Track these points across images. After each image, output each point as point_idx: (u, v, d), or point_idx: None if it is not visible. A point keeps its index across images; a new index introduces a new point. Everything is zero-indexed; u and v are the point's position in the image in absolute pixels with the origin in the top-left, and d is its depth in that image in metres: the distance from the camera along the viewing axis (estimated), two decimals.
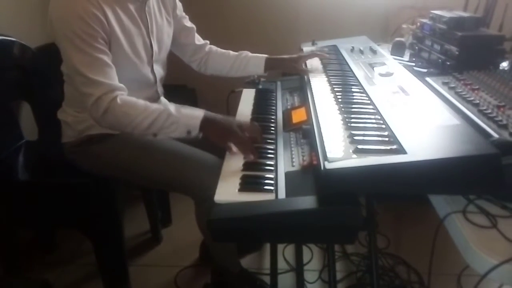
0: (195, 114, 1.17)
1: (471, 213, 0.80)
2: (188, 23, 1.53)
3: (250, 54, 1.56)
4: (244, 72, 1.57)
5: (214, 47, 1.59)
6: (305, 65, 1.54)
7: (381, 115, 1.01)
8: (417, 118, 0.98)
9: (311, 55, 1.57)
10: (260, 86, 1.63)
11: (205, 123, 1.16)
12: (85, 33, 1.12)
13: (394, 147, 0.85)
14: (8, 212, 1.39)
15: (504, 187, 0.78)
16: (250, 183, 0.98)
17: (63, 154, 1.38)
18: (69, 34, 1.12)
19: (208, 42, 1.59)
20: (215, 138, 1.15)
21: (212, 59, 1.57)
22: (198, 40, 1.56)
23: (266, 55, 1.55)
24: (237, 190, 0.95)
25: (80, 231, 1.46)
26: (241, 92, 1.61)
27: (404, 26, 1.99)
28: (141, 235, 1.93)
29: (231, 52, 1.58)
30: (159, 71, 1.41)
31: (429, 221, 0.95)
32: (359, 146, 0.86)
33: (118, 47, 1.22)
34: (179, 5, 1.49)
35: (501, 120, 0.97)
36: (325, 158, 0.83)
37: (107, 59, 1.17)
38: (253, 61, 1.54)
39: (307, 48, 1.73)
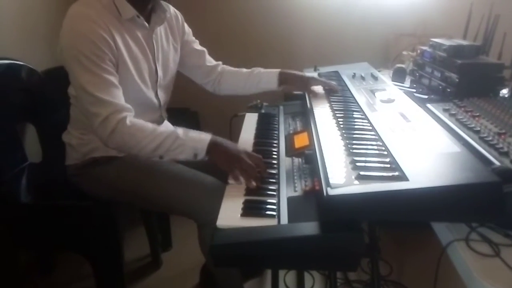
0: (202, 138, 1.18)
1: (474, 241, 0.80)
2: (198, 47, 1.55)
3: (262, 70, 1.56)
4: (258, 88, 1.56)
5: (226, 67, 1.60)
6: None
7: (382, 142, 1.02)
8: (418, 144, 0.99)
9: (324, 82, 1.55)
10: (263, 111, 1.65)
11: (212, 146, 1.17)
12: (93, 54, 1.15)
13: (396, 173, 0.85)
14: (10, 234, 1.39)
15: (506, 215, 0.78)
16: (252, 208, 0.98)
17: (67, 176, 1.39)
18: (78, 55, 1.15)
19: (220, 63, 1.60)
20: (221, 163, 1.15)
21: (225, 78, 1.58)
22: (210, 62, 1.58)
23: (279, 70, 1.55)
24: (239, 215, 0.95)
25: (80, 254, 1.46)
26: (243, 116, 1.62)
27: (404, 53, 2.03)
28: (141, 259, 1.92)
29: (244, 70, 1.59)
30: (163, 96, 1.44)
31: (432, 248, 0.95)
32: (362, 173, 0.86)
33: (125, 70, 1.25)
34: (188, 30, 1.52)
35: (502, 148, 0.97)
36: (328, 184, 0.84)
37: (114, 80, 1.19)
38: (266, 77, 1.54)
39: (310, 74, 1.75)
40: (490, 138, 1.03)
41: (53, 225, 1.37)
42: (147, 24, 1.31)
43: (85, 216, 1.36)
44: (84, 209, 1.35)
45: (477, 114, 1.20)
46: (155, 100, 1.40)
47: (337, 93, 1.48)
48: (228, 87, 1.59)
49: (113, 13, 1.23)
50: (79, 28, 1.17)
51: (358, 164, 0.91)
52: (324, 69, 1.83)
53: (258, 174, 1.10)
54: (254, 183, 1.08)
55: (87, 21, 1.17)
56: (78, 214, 1.36)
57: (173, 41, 1.45)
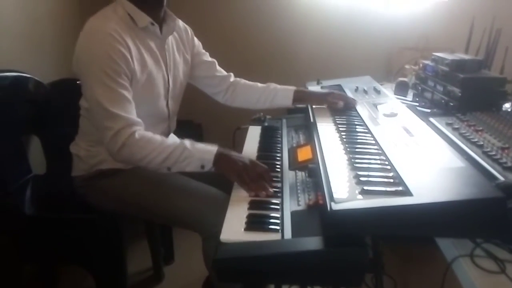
0: (209, 149, 1.19)
1: (479, 257, 0.79)
2: (208, 58, 1.58)
3: (278, 86, 1.58)
4: (272, 104, 1.58)
5: (241, 80, 1.62)
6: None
7: (386, 156, 1.02)
8: (422, 159, 0.99)
9: (341, 96, 1.53)
10: (266, 124, 1.65)
11: (219, 157, 1.18)
12: (110, 69, 1.17)
13: (400, 188, 0.85)
14: (14, 246, 1.39)
15: (511, 231, 0.78)
16: (256, 222, 0.98)
17: (72, 188, 1.39)
18: (95, 69, 1.17)
19: (231, 74, 1.62)
20: (228, 173, 1.16)
21: (240, 91, 1.60)
22: (220, 72, 1.60)
23: (294, 87, 1.57)
24: (243, 229, 0.95)
25: (82, 267, 1.45)
26: (247, 129, 1.63)
27: (406, 66, 2.04)
28: (143, 272, 1.91)
29: (259, 84, 1.60)
30: (173, 106, 1.46)
31: (437, 263, 0.94)
32: (365, 187, 0.87)
33: (138, 81, 1.27)
34: (198, 43, 1.56)
35: (505, 162, 0.97)
36: (332, 198, 0.84)
37: (128, 94, 1.21)
38: (281, 93, 1.56)
39: (313, 87, 1.76)
40: (493, 153, 1.03)
41: (57, 237, 1.37)
42: (160, 33, 1.34)
43: (90, 228, 1.37)
44: (89, 221, 1.35)
45: (480, 128, 1.20)
46: (165, 110, 1.43)
47: (355, 107, 1.47)
48: (241, 99, 1.61)
49: (128, 24, 1.26)
50: (97, 43, 1.19)
51: (361, 178, 0.91)
52: (326, 83, 1.84)
53: (265, 184, 1.11)
54: (264, 192, 1.08)
55: (105, 35, 1.19)
56: (82, 226, 1.37)
57: (184, 52, 1.48)
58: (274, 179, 1.18)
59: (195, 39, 1.55)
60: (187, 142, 1.20)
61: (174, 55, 1.42)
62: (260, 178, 1.13)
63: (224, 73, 1.61)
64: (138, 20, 1.27)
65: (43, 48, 1.91)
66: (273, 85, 1.58)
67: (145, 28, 1.29)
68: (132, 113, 1.21)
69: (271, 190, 1.10)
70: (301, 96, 1.56)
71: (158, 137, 1.21)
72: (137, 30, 1.28)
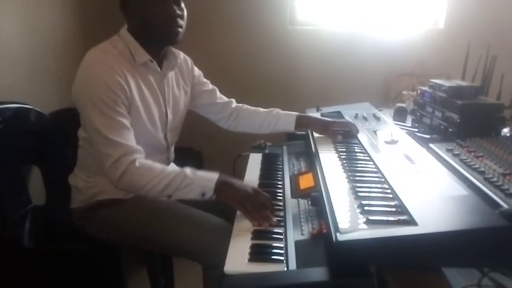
0: (210, 176, 1.19)
1: (486, 287, 0.79)
2: (208, 87, 1.59)
3: (281, 111, 1.60)
4: (275, 129, 1.59)
5: (244, 105, 1.64)
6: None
7: (389, 184, 1.02)
8: (424, 187, 0.99)
9: (344, 124, 1.53)
10: (267, 151, 1.66)
11: (220, 185, 1.17)
12: (108, 98, 1.19)
13: (405, 217, 0.85)
14: (12, 279, 1.37)
15: None
16: (260, 252, 0.97)
17: (71, 219, 1.38)
18: (93, 98, 1.19)
19: (233, 100, 1.64)
20: (230, 201, 1.16)
21: (243, 116, 1.62)
22: (221, 99, 1.61)
23: (297, 113, 1.59)
24: (247, 260, 0.94)
25: None
26: (247, 156, 1.63)
27: (404, 92, 2.07)
28: None
29: (261, 109, 1.62)
30: (171, 137, 1.46)
31: None
32: (370, 217, 0.86)
33: (136, 113, 1.28)
34: (198, 73, 1.57)
35: (508, 189, 0.97)
36: (337, 229, 0.83)
37: (126, 122, 1.22)
38: (284, 118, 1.58)
39: (312, 114, 1.78)
40: (495, 179, 1.03)
41: (56, 269, 1.35)
42: (159, 69, 1.35)
43: (89, 260, 1.35)
44: (88, 253, 1.33)
45: (481, 154, 1.20)
46: (163, 142, 1.43)
47: (357, 134, 1.47)
48: (244, 124, 1.63)
49: (127, 59, 1.28)
50: (95, 73, 1.21)
51: (366, 208, 0.91)
52: (326, 109, 1.86)
53: (268, 213, 1.10)
54: (266, 223, 1.07)
55: (103, 66, 1.21)
56: (82, 258, 1.35)
57: (183, 85, 1.49)
58: (277, 207, 1.17)
59: (195, 69, 1.56)
60: (188, 170, 1.20)
61: (173, 89, 1.43)
62: (262, 207, 1.13)
63: (226, 99, 1.63)
64: (137, 56, 1.29)
65: (46, 78, 1.93)
66: (276, 110, 1.60)
67: (144, 63, 1.31)
68: (131, 141, 1.22)
69: (274, 219, 1.10)
70: (304, 122, 1.58)
71: (158, 165, 1.21)
72: (136, 64, 1.29)
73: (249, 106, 1.64)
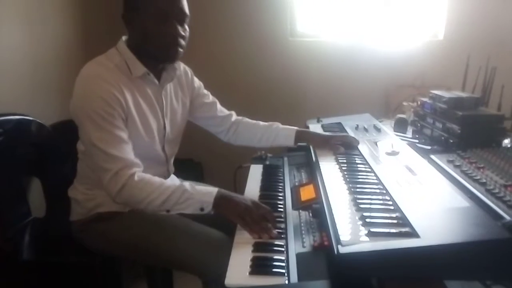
0: (209, 191, 1.19)
1: None
2: (209, 99, 1.57)
3: (280, 125, 1.59)
4: (274, 142, 1.58)
5: (244, 118, 1.63)
6: None
7: (390, 196, 1.02)
8: (426, 199, 0.98)
9: (344, 137, 1.53)
10: (267, 162, 1.66)
11: (219, 200, 1.17)
12: (105, 112, 1.18)
13: (407, 229, 0.85)
14: None
15: None
16: (261, 265, 0.96)
17: (71, 232, 1.37)
18: (90, 113, 1.18)
19: (233, 113, 1.63)
20: (230, 215, 1.15)
21: (242, 129, 1.60)
22: (221, 111, 1.60)
23: (296, 128, 1.58)
24: (248, 273, 0.94)
25: None
26: (248, 167, 1.63)
27: (405, 103, 2.07)
28: None
29: (261, 123, 1.61)
30: (170, 150, 1.45)
31: None
32: (372, 229, 0.86)
33: (133, 126, 1.28)
34: (198, 84, 1.55)
35: (510, 200, 0.96)
36: (338, 241, 0.83)
37: (124, 135, 1.22)
38: (283, 133, 1.57)
39: (313, 125, 1.78)
40: (497, 191, 1.02)
41: (55, 282, 1.34)
42: (157, 82, 1.35)
43: (89, 273, 1.34)
44: (88, 266, 1.32)
45: (482, 165, 1.20)
46: (162, 154, 1.42)
47: (357, 146, 1.47)
48: (244, 138, 1.61)
49: (124, 72, 1.27)
50: (92, 87, 1.21)
51: (367, 220, 0.91)
52: (327, 121, 1.86)
53: (269, 225, 1.10)
54: (267, 235, 1.07)
55: (99, 80, 1.21)
56: (81, 271, 1.34)
57: (182, 96, 1.48)
58: (278, 219, 1.17)
59: (196, 80, 1.55)
60: (187, 184, 1.20)
61: (172, 100, 1.43)
62: (263, 219, 1.12)
63: (226, 112, 1.62)
64: (134, 70, 1.28)
65: (48, 90, 1.93)
66: (275, 124, 1.59)
67: (142, 76, 1.30)
68: (129, 154, 1.21)
69: (275, 231, 1.09)
70: (304, 137, 1.57)
71: (157, 179, 1.21)
72: (133, 77, 1.28)
73: (249, 120, 1.63)
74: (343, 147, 1.46)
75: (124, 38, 1.33)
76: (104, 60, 1.28)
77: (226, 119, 1.60)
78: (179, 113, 1.46)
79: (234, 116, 1.63)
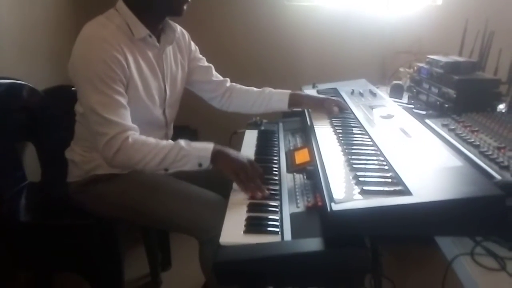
0: (206, 146, 1.19)
1: (479, 255, 0.80)
2: (204, 63, 1.57)
3: (273, 90, 1.58)
4: (267, 108, 1.58)
5: (237, 85, 1.62)
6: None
7: (384, 157, 1.02)
8: (420, 159, 0.99)
9: (337, 101, 1.52)
10: (262, 127, 1.65)
11: (216, 154, 1.18)
12: (106, 76, 1.17)
13: (399, 188, 0.86)
14: (8, 254, 1.37)
15: (510, 228, 0.78)
16: (255, 224, 0.97)
17: (67, 195, 1.38)
18: (90, 75, 1.16)
19: (228, 79, 1.62)
20: (226, 170, 1.16)
21: (235, 95, 1.60)
22: (216, 77, 1.59)
23: (289, 91, 1.56)
24: (242, 232, 0.95)
25: (79, 274, 1.43)
26: (243, 133, 1.63)
27: (401, 69, 2.05)
28: (140, 278, 1.89)
29: (254, 89, 1.60)
30: (170, 113, 1.45)
31: (436, 263, 0.95)
32: (365, 187, 0.87)
33: (134, 90, 1.26)
34: (195, 48, 1.54)
35: (502, 162, 0.98)
36: (332, 199, 0.84)
37: (123, 100, 1.21)
38: (276, 97, 1.56)
39: (308, 91, 1.77)
40: (490, 153, 1.03)
41: (53, 244, 1.36)
42: (158, 44, 1.33)
43: (86, 235, 1.35)
44: (85, 227, 1.33)
45: (476, 129, 1.21)
46: (162, 118, 1.42)
47: (347, 111, 1.47)
48: (237, 104, 1.61)
49: (126, 33, 1.25)
50: (93, 49, 1.18)
51: (360, 179, 0.92)
52: (322, 86, 1.85)
53: (263, 185, 1.11)
54: (260, 194, 1.08)
55: (101, 41, 1.18)
56: (78, 233, 1.35)
57: (181, 59, 1.47)
58: (272, 181, 1.17)
59: (192, 43, 1.54)
60: (182, 142, 1.20)
61: (171, 64, 1.42)
62: (258, 175, 1.13)
63: (221, 78, 1.61)
64: (136, 31, 1.26)
65: (38, 55, 1.90)
66: (268, 89, 1.58)
67: (143, 38, 1.28)
68: (127, 119, 1.20)
69: (267, 191, 1.10)
70: (297, 100, 1.56)
71: (152, 139, 1.20)
72: (135, 39, 1.26)
73: (242, 86, 1.62)
74: (338, 107, 1.47)
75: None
76: (105, 20, 1.25)
77: (220, 85, 1.59)
78: (178, 77, 1.45)
79: (228, 82, 1.61)
